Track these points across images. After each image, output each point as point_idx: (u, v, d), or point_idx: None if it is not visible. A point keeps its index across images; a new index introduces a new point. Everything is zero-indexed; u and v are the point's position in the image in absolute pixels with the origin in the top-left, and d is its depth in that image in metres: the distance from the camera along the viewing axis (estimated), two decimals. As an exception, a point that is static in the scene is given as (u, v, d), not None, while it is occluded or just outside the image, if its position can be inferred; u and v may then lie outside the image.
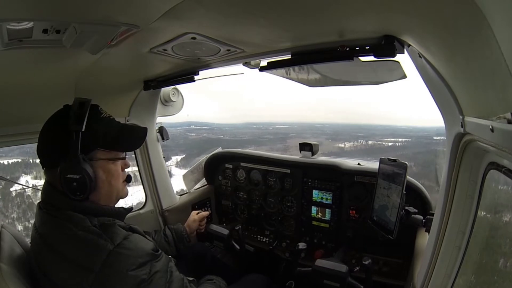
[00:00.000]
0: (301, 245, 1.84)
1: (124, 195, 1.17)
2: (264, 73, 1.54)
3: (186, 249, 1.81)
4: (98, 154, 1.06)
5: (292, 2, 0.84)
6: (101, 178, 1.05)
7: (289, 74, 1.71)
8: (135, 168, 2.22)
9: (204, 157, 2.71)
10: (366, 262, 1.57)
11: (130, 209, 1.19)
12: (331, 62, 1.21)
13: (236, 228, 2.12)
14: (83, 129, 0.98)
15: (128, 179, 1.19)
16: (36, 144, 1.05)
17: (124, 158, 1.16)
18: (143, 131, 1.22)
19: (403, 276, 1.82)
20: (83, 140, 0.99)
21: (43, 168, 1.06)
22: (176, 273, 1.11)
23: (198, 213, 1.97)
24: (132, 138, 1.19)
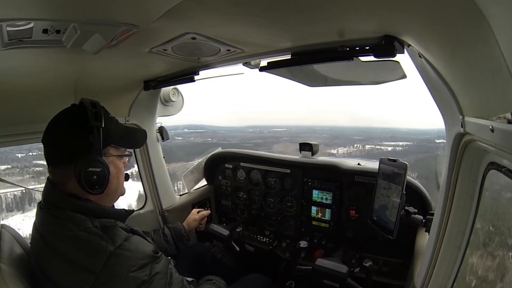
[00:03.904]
0: (303, 244, 1.82)
1: (124, 192, 1.23)
2: (266, 74, 1.54)
3: (186, 249, 1.81)
4: (110, 150, 1.11)
5: (292, 2, 0.84)
6: (112, 173, 1.08)
7: (289, 74, 1.71)
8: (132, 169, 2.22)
9: (204, 157, 2.71)
10: (367, 265, 1.57)
11: (131, 212, 1.21)
12: (331, 62, 1.21)
13: (237, 230, 2.11)
14: (103, 126, 1.03)
15: (126, 177, 1.24)
16: (36, 144, 1.05)
17: (130, 155, 1.24)
18: (144, 132, 1.36)
19: (403, 276, 1.82)
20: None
21: (49, 167, 1.06)
22: (176, 275, 1.12)
23: (199, 212, 1.97)
24: (136, 137, 1.30)
